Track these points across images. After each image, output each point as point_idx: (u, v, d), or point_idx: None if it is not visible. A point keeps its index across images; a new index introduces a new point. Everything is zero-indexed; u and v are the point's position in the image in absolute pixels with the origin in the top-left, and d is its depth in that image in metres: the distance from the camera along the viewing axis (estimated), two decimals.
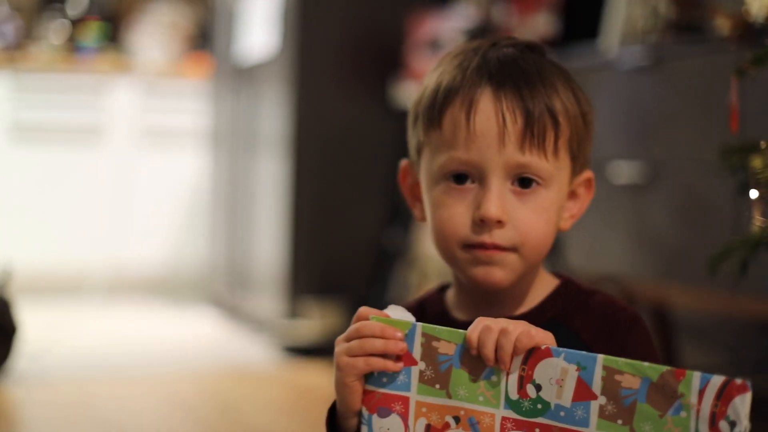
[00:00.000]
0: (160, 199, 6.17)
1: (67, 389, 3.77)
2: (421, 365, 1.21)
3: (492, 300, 1.35)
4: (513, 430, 1.17)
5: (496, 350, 1.16)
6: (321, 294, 4.68)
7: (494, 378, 1.17)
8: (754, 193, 1.90)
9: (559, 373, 1.14)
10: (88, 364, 4.26)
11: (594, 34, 3.85)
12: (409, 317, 1.25)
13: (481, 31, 4.07)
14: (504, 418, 1.17)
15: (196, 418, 3.45)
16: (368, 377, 1.24)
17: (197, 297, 5.99)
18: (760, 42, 2.74)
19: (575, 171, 1.37)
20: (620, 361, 1.11)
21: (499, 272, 1.31)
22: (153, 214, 6.15)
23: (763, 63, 1.85)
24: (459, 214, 1.30)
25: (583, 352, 1.13)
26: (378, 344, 1.22)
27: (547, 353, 1.15)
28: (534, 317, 1.32)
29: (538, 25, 4.02)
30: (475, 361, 1.18)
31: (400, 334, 1.22)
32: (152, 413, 3.47)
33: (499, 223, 1.28)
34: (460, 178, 1.31)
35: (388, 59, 4.74)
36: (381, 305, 1.36)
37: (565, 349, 1.15)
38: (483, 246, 1.29)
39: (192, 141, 6.16)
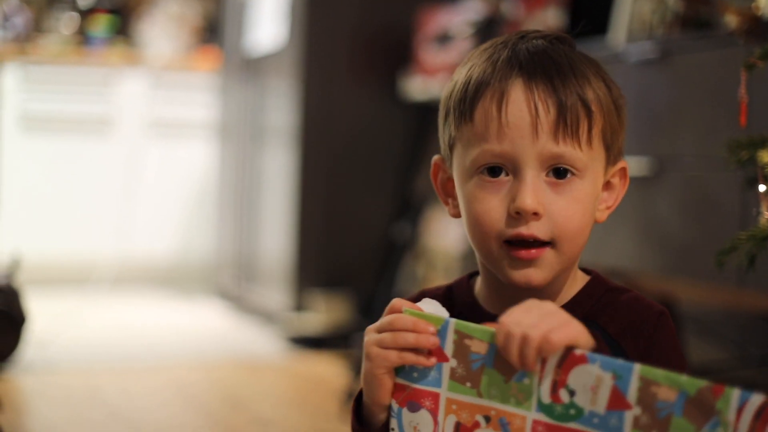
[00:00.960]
0: (168, 191, 6.18)
1: (74, 379, 3.79)
2: (453, 362, 1.20)
3: (523, 297, 1.28)
4: None
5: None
6: (328, 287, 4.69)
7: (526, 381, 1.16)
8: (762, 188, 1.91)
9: (593, 380, 1.12)
10: (95, 353, 4.28)
11: (602, 29, 3.85)
12: (443, 312, 1.24)
13: (490, 26, 4.08)
14: (535, 421, 1.15)
15: (202, 408, 3.46)
16: (399, 371, 1.24)
17: (204, 288, 6.00)
18: (767, 35, 2.74)
19: (609, 161, 1.36)
20: (657, 373, 1.09)
21: (538, 273, 1.29)
22: (161, 206, 6.16)
23: None
24: (494, 208, 1.29)
25: (620, 361, 1.11)
26: (410, 338, 1.21)
27: (583, 359, 1.12)
28: None
29: (547, 20, 4.03)
30: (507, 362, 1.16)
31: (432, 329, 1.21)
32: (159, 403, 3.48)
33: (536, 215, 1.27)
34: (493, 171, 1.29)
35: (398, 53, 4.75)
36: (388, 299, 1.36)
37: (602, 356, 1.12)
38: (521, 238, 1.27)
39: (200, 133, 6.17)
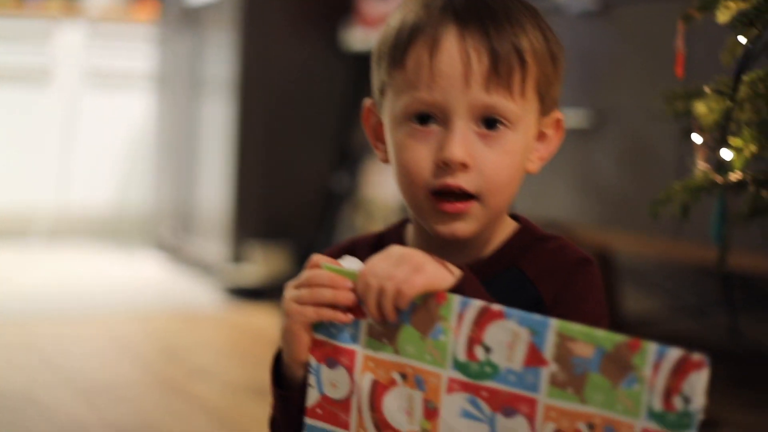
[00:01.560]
0: (107, 142, 6.13)
1: (11, 329, 3.76)
2: (370, 319, 1.19)
3: (451, 246, 1.31)
4: (460, 392, 1.13)
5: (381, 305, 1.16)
6: (267, 238, 4.67)
7: (442, 337, 1.14)
8: (697, 139, 1.91)
9: (510, 336, 1.10)
10: (32, 305, 4.25)
11: None
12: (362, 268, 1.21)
13: None
14: (451, 380, 1.14)
15: (138, 358, 3.44)
16: (317, 327, 1.22)
17: (143, 240, 5.97)
18: None
19: (543, 112, 1.33)
20: (574, 328, 1.07)
21: (464, 226, 1.27)
22: (99, 157, 6.11)
23: (709, 8, 1.85)
24: (422, 158, 1.26)
25: (537, 316, 1.09)
26: (328, 294, 1.20)
27: (499, 315, 1.11)
28: (491, 263, 1.32)
29: None
30: (425, 318, 1.15)
31: (350, 285, 1.20)
32: (96, 355, 3.47)
33: (464, 166, 1.24)
34: (423, 119, 1.26)
35: (338, 3, 4.73)
36: (327, 248, 1.37)
37: (519, 311, 1.10)
38: (447, 189, 1.25)
39: (139, 84, 6.11)
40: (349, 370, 1.21)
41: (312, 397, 1.24)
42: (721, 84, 1.85)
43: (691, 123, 1.96)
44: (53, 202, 5.90)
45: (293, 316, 1.23)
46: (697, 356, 1.01)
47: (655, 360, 1.02)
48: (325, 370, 1.23)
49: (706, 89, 1.88)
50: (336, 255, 1.34)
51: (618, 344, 1.04)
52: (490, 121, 1.26)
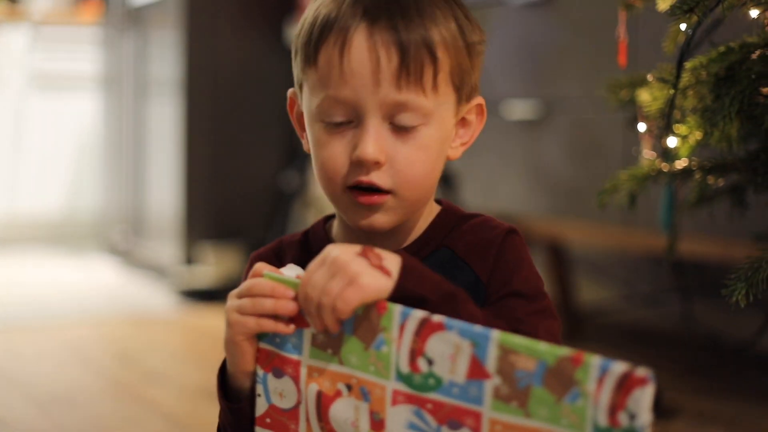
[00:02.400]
0: (54, 146, 6.08)
1: None
2: (312, 329, 1.17)
3: (375, 236, 1.31)
4: (405, 404, 1.12)
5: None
6: (218, 238, 4.65)
7: (384, 348, 1.13)
8: (642, 127, 1.92)
9: (452, 349, 1.08)
10: None
11: None
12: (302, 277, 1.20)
13: None
14: (395, 391, 1.12)
15: (93, 364, 3.42)
16: (262, 336, 1.21)
17: (94, 245, 5.93)
18: None
19: (461, 100, 1.32)
20: (516, 342, 1.05)
21: (381, 218, 1.28)
22: (47, 162, 6.07)
23: None
24: (338, 154, 1.26)
25: (478, 328, 1.07)
26: (268, 304, 1.19)
27: (440, 327, 1.09)
28: (417, 249, 1.32)
29: None
30: (367, 328, 1.14)
31: (291, 294, 1.18)
32: (50, 362, 3.44)
33: (377, 164, 1.24)
34: (337, 122, 1.26)
35: (282, 0, 4.71)
36: (257, 251, 1.38)
37: (459, 322, 1.08)
38: (361, 185, 1.25)
39: (85, 87, 6.07)
40: (295, 380, 1.20)
41: (261, 407, 1.23)
42: (663, 72, 1.86)
43: (636, 111, 1.96)
44: (2, 209, 5.85)
45: (235, 327, 1.22)
46: (641, 372, 0.98)
47: (599, 375, 1.00)
48: (272, 380, 1.21)
49: (650, 77, 1.88)
50: (266, 256, 1.35)
51: (560, 358, 1.02)
52: (401, 126, 1.26)
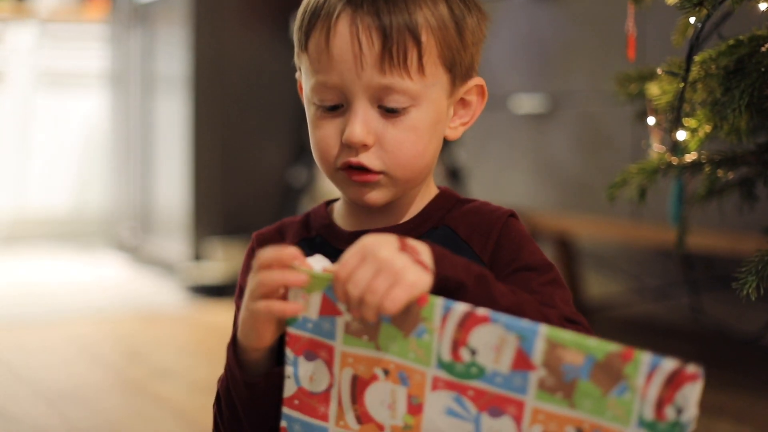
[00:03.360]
0: (62, 144, 6.09)
1: None
2: (347, 316, 1.18)
3: (375, 212, 1.36)
4: (445, 390, 1.13)
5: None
6: (226, 234, 4.66)
7: (426, 337, 1.13)
8: (651, 121, 1.91)
9: (497, 340, 1.09)
10: None
11: None
12: (330, 266, 1.20)
13: None
14: (436, 378, 1.13)
15: (102, 361, 3.42)
16: (291, 321, 1.21)
17: (101, 241, 5.93)
18: None
19: (456, 81, 1.34)
20: (565, 337, 1.06)
21: (376, 195, 1.31)
22: (55, 159, 6.07)
23: None
24: (330, 136, 1.30)
25: (525, 322, 1.08)
26: (277, 277, 1.20)
27: (485, 320, 1.09)
28: (415, 226, 1.35)
29: None
30: (406, 318, 1.14)
31: (304, 278, 1.19)
32: (59, 359, 3.44)
33: (365, 146, 1.28)
34: (328, 107, 1.31)
35: None
36: (260, 230, 1.44)
37: (506, 316, 1.09)
38: (350, 166, 1.29)
39: (93, 84, 6.07)
40: (328, 364, 1.20)
41: (289, 389, 1.24)
42: (673, 65, 1.85)
43: (645, 105, 1.96)
44: (10, 206, 5.85)
45: (250, 309, 1.23)
46: (692, 368, 1.00)
47: (648, 371, 1.01)
48: (303, 363, 1.22)
49: (659, 71, 1.88)
50: (269, 235, 1.42)
51: (610, 354, 1.03)
52: (389, 108, 1.28)
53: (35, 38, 6.00)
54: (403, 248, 1.15)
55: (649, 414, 1.01)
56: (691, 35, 1.71)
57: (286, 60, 4.68)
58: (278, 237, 1.44)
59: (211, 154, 4.66)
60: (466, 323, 1.11)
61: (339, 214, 1.41)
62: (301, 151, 4.61)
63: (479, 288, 1.17)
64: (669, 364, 1.00)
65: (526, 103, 3.33)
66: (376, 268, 1.13)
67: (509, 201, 3.45)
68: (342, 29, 1.26)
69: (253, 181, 4.75)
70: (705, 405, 2.76)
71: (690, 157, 1.83)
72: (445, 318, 1.12)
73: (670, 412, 1.00)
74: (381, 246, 1.15)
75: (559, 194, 3.32)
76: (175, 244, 4.80)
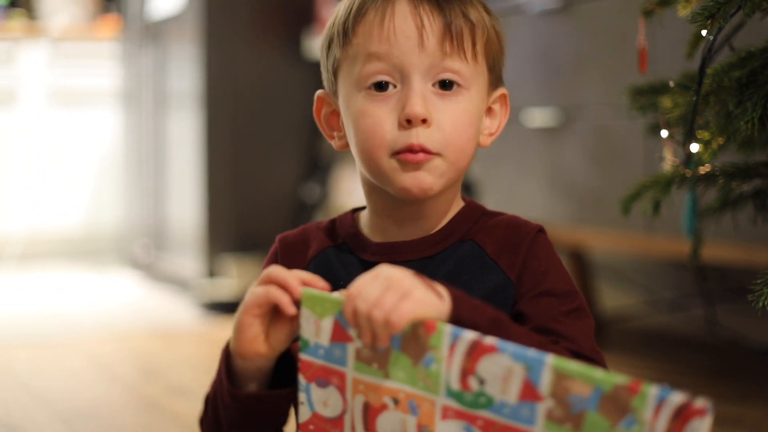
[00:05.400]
0: (75, 162, 6.10)
1: None
2: (357, 343, 1.18)
3: (404, 219, 1.36)
4: (455, 419, 1.12)
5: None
6: (240, 251, 4.66)
7: (434, 366, 1.13)
8: (664, 133, 1.92)
9: (504, 371, 1.08)
10: (7, 330, 4.21)
11: None
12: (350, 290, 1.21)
13: None
14: (445, 407, 1.13)
15: (117, 379, 3.42)
16: (304, 347, 1.22)
17: (115, 259, 5.94)
18: None
19: (492, 84, 1.39)
20: (571, 367, 1.05)
21: (428, 177, 1.31)
22: (68, 178, 6.08)
23: (669, 3, 1.86)
24: (384, 120, 1.30)
25: (532, 352, 1.07)
26: (277, 295, 1.25)
27: (492, 349, 1.09)
28: (442, 238, 1.36)
29: None
30: (414, 346, 1.14)
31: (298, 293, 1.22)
32: (74, 377, 3.44)
33: (425, 122, 1.28)
34: (380, 86, 1.31)
35: (300, 12, 4.71)
36: (281, 234, 1.45)
37: (513, 345, 1.09)
38: (411, 149, 1.29)
39: (105, 102, 6.09)
40: (341, 390, 1.21)
41: (304, 414, 1.25)
42: (685, 78, 1.86)
43: (657, 118, 1.96)
44: (24, 225, 5.87)
45: (245, 305, 1.27)
46: (700, 402, 0.98)
47: (656, 404, 1.00)
48: (315, 389, 1.23)
49: (671, 83, 1.88)
50: (293, 241, 1.43)
51: (617, 386, 1.02)
52: (445, 83, 1.31)
53: (47, 57, 6.02)
54: (418, 276, 1.17)
55: None
56: (703, 48, 1.72)
57: (299, 76, 4.71)
58: (302, 242, 1.44)
59: (223, 170, 4.67)
60: (474, 352, 1.10)
61: (365, 223, 1.42)
62: (314, 168, 4.62)
63: (494, 331, 1.15)
64: (676, 398, 0.99)
65: (539, 117, 3.33)
66: (386, 285, 1.14)
67: (523, 214, 3.44)
68: (402, 10, 1.30)
69: (267, 197, 4.75)
70: (721, 417, 2.75)
71: (703, 170, 1.83)
72: (453, 346, 1.12)
73: None
74: (394, 269, 1.17)
75: (573, 207, 3.31)
76: (189, 261, 4.80)
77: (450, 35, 1.29)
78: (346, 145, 1.39)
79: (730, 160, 1.86)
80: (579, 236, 3.37)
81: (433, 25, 1.29)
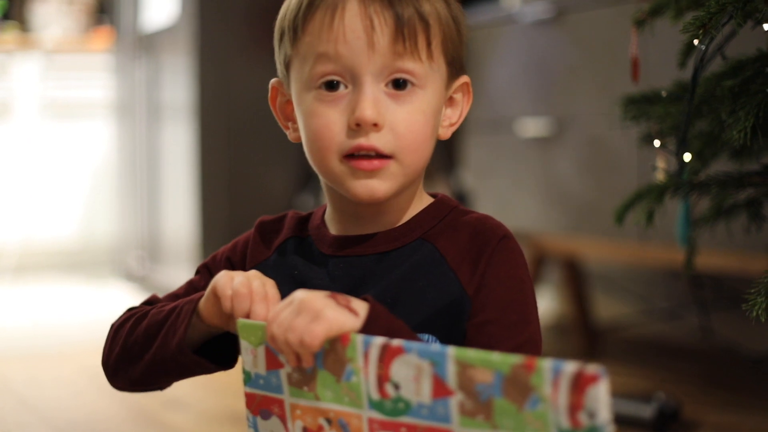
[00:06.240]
0: (68, 174, 6.09)
1: None
2: (288, 368, 1.18)
3: (363, 214, 1.33)
4: (381, 430, 1.12)
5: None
6: None
7: (354, 379, 1.13)
8: (657, 143, 1.92)
9: (414, 370, 1.08)
10: (2, 341, 4.21)
11: None
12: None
13: None
14: (371, 420, 1.13)
15: (114, 392, 3.41)
16: (247, 380, 1.23)
17: (109, 271, 5.93)
18: None
19: (451, 76, 1.34)
20: (470, 355, 1.04)
21: (381, 185, 1.27)
22: (61, 190, 6.08)
23: (660, 13, 1.86)
24: (333, 121, 1.26)
25: (435, 346, 1.07)
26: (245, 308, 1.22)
27: (399, 350, 1.09)
28: (402, 234, 1.32)
29: None
30: (335, 361, 1.14)
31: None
32: (70, 390, 3.44)
33: (375, 126, 1.24)
34: (331, 85, 1.27)
35: None
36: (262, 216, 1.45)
37: (418, 343, 1.09)
38: (360, 150, 1.25)
39: (99, 114, 6.08)
40: (282, 419, 1.21)
41: None
42: (677, 87, 1.86)
43: (650, 127, 1.97)
44: (18, 237, 5.86)
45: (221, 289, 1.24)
46: (591, 369, 0.97)
47: (552, 378, 0.98)
48: (261, 423, 1.23)
49: (664, 93, 1.88)
50: (265, 229, 1.43)
51: (514, 366, 1.01)
52: (399, 82, 1.27)
53: (40, 69, 6.02)
54: (332, 296, 1.16)
55: (565, 423, 0.98)
56: (695, 57, 1.72)
57: None
58: (275, 230, 1.43)
59: (217, 182, 4.67)
60: (384, 356, 1.10)
61: (329, 217, 1.39)
62: (307, 178, 4.62)
63: None
64: (569, 368, 0.97)
65: (532, 127, 3.34)
66: (298, 309, 1.14)
67: (516, 224, 3.45)
68: (352, 9, 1.25)
69: (260, 208, 4.74)
70: (717, 425, 2.75)
71: (696, 179, 1.83)
72: (366, 354, 1.12)
73: (583, 418, 0.97)
74: (307, 292, 1.16)
75: (567, 217, 3.32)
76: (183, 272, 4.80)
77: (402, 36, 1.24)
78: (300, 138, 1.36)
79: (723, 169, 1.86)
80: (573, 246, 3.37)
81: (384, 24, 1.24)
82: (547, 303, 4.26)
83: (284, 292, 1.23)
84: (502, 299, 1.26)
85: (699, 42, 1.65)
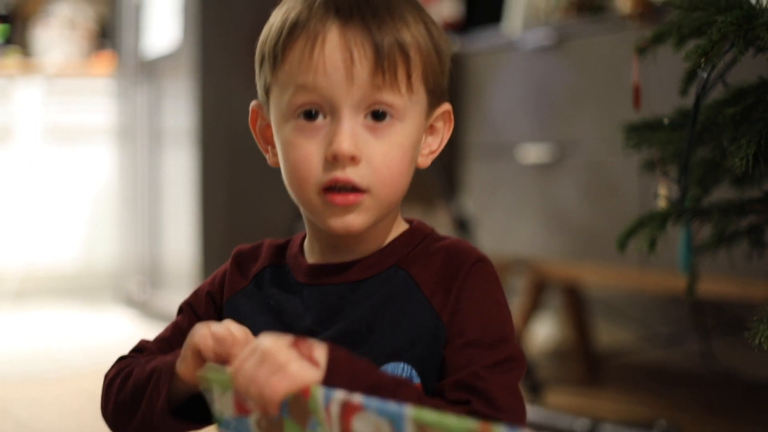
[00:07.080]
0: (70, 199, 6.10)
1: None
2: (256, 414, 1.18)
3: (339, 244, 1.32)
4: None
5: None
6: None
7: (319, 430, 1.12)
8: (658, 169, 1.92)
9: (373, 428, 1.06)
10: (2, 366, 4.21)
11: (497, 18, 3.87)
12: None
13: None
14: None
15: None
16: (218, 422, 1.22)
17: (110, 296, 5.93)
18: (659, 19, 2.77)
19: (432, 105, 1.32)
20: (428, 417, 1.01)
21: (356, 219, 1.26)
22: (63, 214, 6.08)
23: (662, 40, 1.87)
24: (311, 153, 1.25)
25: (392, 405, 1.05)
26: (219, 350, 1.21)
27: (359, 408, 1.07)
28: (377, 262, 1.31)
29: (442, 11, 4.03)
30: (300, 411, 1.13)
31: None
32: (71, 415, 3.43)
33: (353, 159, 1.24)
34: (309, 114, 1.26)
35: None
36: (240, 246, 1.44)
37: (376, 401, 1.07)
38: (337, 184, 1.24)
39: (100, 139, 6.09)
40: None
41: None
42: (679, 114, 1.86)
43: (652, 154, 1.97)
44: (19, 261, 5.86)
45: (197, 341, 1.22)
46: None
47: None
48: None
49: (665, 120, 1.89)
50: (242, 259, 1.41)
51: (469, 431, 0.99)
52: (378, 114, 1.26)
53: (42, 94, 6.03)
54: (294, 344, 1.15)
55: None
56: (697, 85, 1.73)
57: None
58: (252, 259, 1.42)
59: (218, 207, 4.67)
60: (345, 412, 1.09)
61: (307, 245, 1.38)
62: None
63: (375, 396, 1.11)
64: None
65: (533, 153, 3.34)
66: (261, 360, 1.13)
67: (517, 250, 3.45)
68: (332, 40, 1.24)
69: (261, 234, 4.72)
70: None
71: (698, 206, 1.83)
72: (327, 409, 1.11)
73: None
74: (270, 341, 1.15)
75: (568, 243, 3.32)
76: (184, 298, 4.79)
77: (382, 68, 1.23)
78: (279, 163, 1.36)
79: (725, 197, 1.86)
80: (574, 272, 3.37)
81: (363, 57, 1.23)
82: (548, 329, 4.26)
83: (260, 321, 1.24)
84: (479, 320, 1.25)
85: (701, 69, 1.66)
